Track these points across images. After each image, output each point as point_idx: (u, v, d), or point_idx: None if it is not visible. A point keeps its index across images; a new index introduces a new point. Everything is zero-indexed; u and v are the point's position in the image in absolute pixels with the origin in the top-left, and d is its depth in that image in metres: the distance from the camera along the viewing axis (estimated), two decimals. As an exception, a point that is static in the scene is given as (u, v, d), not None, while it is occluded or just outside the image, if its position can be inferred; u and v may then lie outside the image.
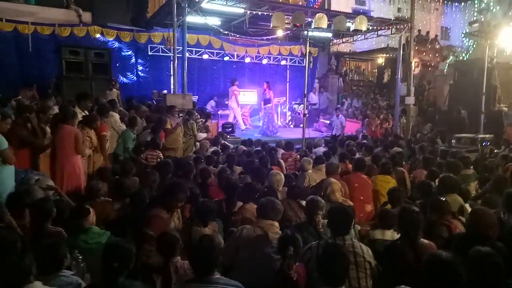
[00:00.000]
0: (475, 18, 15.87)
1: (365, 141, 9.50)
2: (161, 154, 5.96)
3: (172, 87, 11.27)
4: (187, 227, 3.34)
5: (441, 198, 3.52)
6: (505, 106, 11.07)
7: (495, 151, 7.61)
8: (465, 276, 1.98)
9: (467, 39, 15.68)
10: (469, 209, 3.81)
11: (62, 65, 8.85)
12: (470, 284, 2.11)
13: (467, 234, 2.79)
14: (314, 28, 8.28)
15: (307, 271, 2.63)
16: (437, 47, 18.46)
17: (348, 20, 9.66)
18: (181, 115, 7.81)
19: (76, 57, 8.98)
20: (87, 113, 5.71)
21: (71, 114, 4.76)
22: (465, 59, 14.48)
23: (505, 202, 3.48)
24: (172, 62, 10.04)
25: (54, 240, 2.53)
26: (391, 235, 3.19)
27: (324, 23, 8.19)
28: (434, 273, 1.97)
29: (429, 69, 17.05)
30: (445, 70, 15.00)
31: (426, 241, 2.73)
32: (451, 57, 16.26)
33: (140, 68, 12.28)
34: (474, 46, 14.90)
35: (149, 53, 12.23)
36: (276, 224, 3.04)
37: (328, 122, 12.77)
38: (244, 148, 7.50)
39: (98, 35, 11.19)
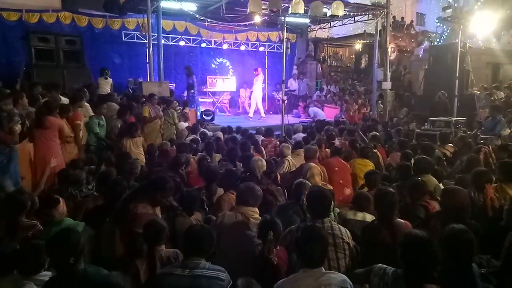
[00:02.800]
0: (448, 3, 16.14)
1: (343, 126, 9.62)
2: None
3: (148, 74, 11.02)
4: (171, 216, 3.28)
5: (418, 179, 3.60)
6: (477, 90, 11.40)
7: (468, 132, 7.85)
8: (440, 253, 2.05)
9: (442, 25, 15.96)
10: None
11: (31, 53, 8.48)
12: (445, 260, 2.18)
13: (442, 212, 2.88)
14: (291, 13, 8.23)
15: (288, 254, 2.66)
16: (412, 32, 18.74)
17: (324, 6, 9.64)
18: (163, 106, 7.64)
19: (46, 44, 8.62)
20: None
21: (54, 106, 4.87)
22: (439, 44, 14.74)
23: (473, 181, 3.60)
24: (147, 49, 9.80)
25: (37, 242, 2.46)
26: (362, 215, 3.28)
27: (301, 9, 8.16)
28: (409, 251, 2.02)
29: (405, 54, 17.32)
30: (420, 55, 15.27)
31: (402, 220, 2.81)
32: (426, 42, 16.54)
33: (114, 55, 11.92)
34: (448, 31, 15.18)
35: (124, 40, 11.88)
36: (256, 210, 3.05)
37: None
38: (220, 135, 7.45)
39: (68, 21, 10.76)
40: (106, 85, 8.80)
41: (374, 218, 3.15)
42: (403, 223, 2.78)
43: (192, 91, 11.84)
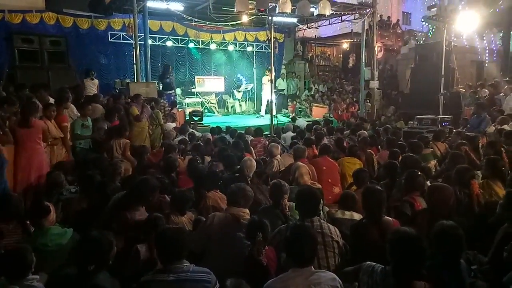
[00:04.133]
0: (433, 3, 16.37)
1: (331, 125, 9.67)
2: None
3: (135, 75, 10.91)
4: (164, 216, 3.24)
5: (418, 172, 3.63)
6: (462, 88, 11.58)
7: (454, 130, 7.96)
8: (428, 250, 2.07)
9: (427, 24, 16.18)
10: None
11: (14, 54, 8.29)
12: (433, 256, 2.20)
13: (428, 209, 2.91)
14: (279, 13, 8.24)
15: (277, 254, 2.65)
16: (399, 31, 18.98)
17: (312, 5, 9.68)
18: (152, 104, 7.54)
19: (30, 45, 8.43)
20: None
21: (36, 108, 4.74)
22: (425, 43, 14.93)
23: (457, 178, 3.63)
24: (134, 49, 9.69)
25: (21, 246, 2.43)
26: (350, 214, 3.32)
27: (288, 8, 8.17)
28: (398, 248, 2.04)
29: (392, 53, 17.51)
30: (406, 54, 15.45)
31: (390, 218, 2.83)
32: (412, 41, 16.75)
33: (100, 56, 11.76)
34: (434, 30, 15.39)
35: (110, 40, 11.73)
36: (247, 210, 3.03)
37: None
38: (210, 136, 7.42)
39: (53, 22, 10.58)
40: (92, 86, 8.68)
41: (361, 216, 3.17)
42: (391, 221, 2.80)
43: (172, 91, 11.52)
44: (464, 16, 11.20)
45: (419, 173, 3.65)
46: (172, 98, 10.91)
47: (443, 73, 10.15)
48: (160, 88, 10.88)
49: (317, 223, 2.71)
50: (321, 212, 3.32)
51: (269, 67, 12.54)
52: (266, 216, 2.78)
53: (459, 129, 7.69)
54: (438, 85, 10.18)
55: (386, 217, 2.82)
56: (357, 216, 3.30)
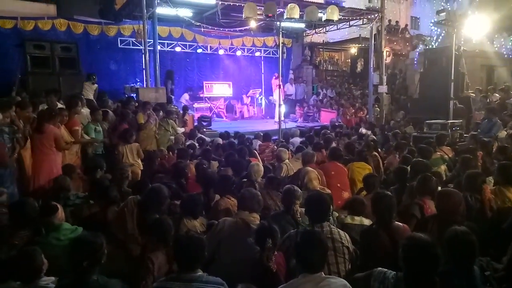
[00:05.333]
0: (442, 7, 16.27)
1: (340, 129, 9.65)
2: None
3: (144, 81, 11.01)
4: (176, 219, 3.25)
5: (430, 175, 3.58)
6: (472, 92, 11.46)
7: (465, 135, 7.87)
8: (442, 257, 2.03)
9: (436, 28, 16.09)
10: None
11: (27, 60, 8.44)
12: (446, 263, 2.17)
13: (438, 215, 2.87)
14: (287, 18, 8.26)
15: (287, 260, 2.63)
16: (407, 36, 18.88)
17: (319, 11, 9.69)
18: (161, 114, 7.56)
19: (41, 51, 8.57)
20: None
21: (54, 113, 4.84)
22: (434, 47, 14.84)
23: (467, 183, 3.58)
24: (143, 55, 9.79)
25: (30, 248, 2.44)
26: (360, 219, 3.28)
27: (296, 13, 8.19)
28: (412, 255, 2.00)
29: (400, 58, 17.43)
30: (415, 59, 15.36)
31: (400, 224, 2.80)
32: (421, 45, 16.66)
33: (110, 62, 11.91)
34: (443, 35, 15.29)
35: (120, 46, 11.88)
36: (257, 215, 3.03)
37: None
38: (220, 141, 7.44)
39: (64, 29, 10.75)
40: (90, 90, 8.74)
41: (371, 222, 3.14)
42: (402, 226, 2.77)
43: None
44: (473, 20, 11.11)
45: (432, 177, 3.60)
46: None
47: (452, 78, 10.05)
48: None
49: (327, 228, 2.70)
50: (331, 217, 3.30)
51: (276, 73, 12.67)
52: (276, 222, 2.77)
53: (474, 132, 7.59)
54: (448, 90, 10.08)
55: (396, 222, 2.79)
56: (367, 222, 3.27)
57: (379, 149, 6.81)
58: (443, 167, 5.50)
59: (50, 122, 4.72)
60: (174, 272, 2.39)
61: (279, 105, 8.72)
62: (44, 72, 8.50)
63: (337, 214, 3.75)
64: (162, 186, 3.32)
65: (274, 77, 13.04)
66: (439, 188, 4.03)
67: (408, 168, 4.43)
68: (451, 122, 8.54)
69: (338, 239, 2.64)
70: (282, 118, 8.67)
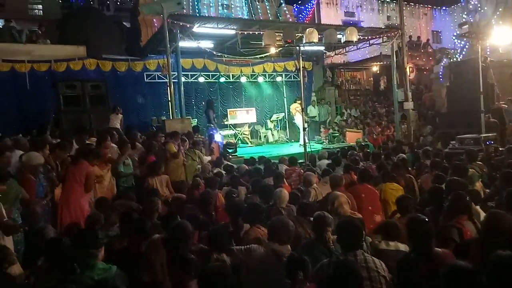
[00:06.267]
0: (464, 20, 16.00)
1: (367, 149, 9.45)
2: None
3: (170, 112, 11.32)
4: (203, 253, 3.18)
5: (464, 194, 3.40)
6: (504, 103, 11.04)
7: (500, 149, 7.52)
8: (487, 286, 1.90)
9: (459, 41, 15.80)
10: (480, 212, 3.73)
11: (59, 99, 8.91)
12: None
13: (483, 239, 2.69)
14: (306, 42, 8.33)
15: (319, 290, 2.53)
16: (429, 50, 18.64)
17: (338, 32, 9.74)
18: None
19: (73, 91, 9.05)
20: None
21: (94, 153, 4.87)
22: (458, 60, 14.53)
23: (508, 202, 3.36)
24: (168, 87, 10.11)
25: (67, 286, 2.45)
26: (395, 245, 3.13)
27: (315, 37, 8.25)
28: (454, 285, 1.88)
29: (424, 73, 17.13)
30: (440, 73, 15.05)
31: (440, 250, 2.64)
32: (445, 59, 16.35)
33: (137, 96, 12.36)
34: (467, 47, 14.98)
35: (146, 81, 12.33)
36: (288, 247, 2.91)
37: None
38: (246, 167, 7.43)
39: (93, 67, 11.32)
40: (115, 120, 9.05)
41: (407, 247, 3.00)
42: (442, 252, 2.61)
43: (211, 125, 11.98)
44: (498, 30, 10.85)
45: (465, 194, 3.43)
46: (214, 131, 11.26)
47: (481, 90, 9.74)
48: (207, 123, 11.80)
49: (360, 256, 2.59)
50: (364, 243, 3.17)
51: (299, 96, 12.72)
52: (309, 252, 2.68)
53: (506, 147, 7.24)
54: (478, 102, 9.76)
55: (436, 249, 2.63)
56: (402, 247, 3.12)
57: (410, 168, 6.59)
58: (478, 185, 5.24)
59: (85, 159, 4.75)
60: None
61: (304, 128, 8.66)
62: (76, 110, 8.94)
63: (370, 239, 3.61)
64: (186, 223, 3.21)
65: (295, 102, 13.10)
66: (478, 208, 3.85)
67: (443, 187, 4.25)
68: (484, 136, 8.22)
69: (373, 268, 2.53)
70: (307, 141, 8.60)
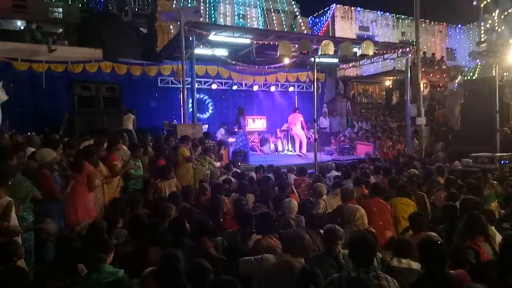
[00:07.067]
0: (482, 38, 15.89)
1: (378, 163, 9.33)
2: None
3: (182, 117, 11.37)
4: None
5: (478, 212, 3.32)
6: (519, 123, 10.87)
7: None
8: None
9: (474, 59, 15.69)
10: (496, 233, 3.63)
11: (74, 100, 9.04)
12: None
13: (500, 261, 2.60)
14: (321, 54, 8.33)
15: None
16: (444, 67, 18.51)
17: (354, 46, 9.73)
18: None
19: (88, 92, 9.18)
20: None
21: (91, 152, 4.91)
22: (474, 78, 14.40)
23: None
24: (181, 93, 10.17)
25: None
26: (407, 263, 3.06)
27: (331, 50, 8.24)
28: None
29: (438, 89, 17.00)
30: (454, 89, 14.92)
31: (454, 273, 2.55)
32: (460, 76, 16.22)
33: (150, 100, 12.47)
34: (481, 65, 14.85)
35: (159, 85, 12.45)
36: (302, 260, 2.84)
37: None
38: (254, 175, 7.39)
39: (109, 70, 11.47)
40: (128, 120, 9.11)
41: (419, 265, 2.92)
42: (457, 275, 2.52)
43: (241, 130, 12.03)
44: (516, 49, 10.75)
45: (481, 214, 3.34)
46: (242, 138, 11.42)
47: (497, 109, 9.61)
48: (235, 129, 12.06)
49: (373, 273, 2.52)
50: (375, 258, 3.11)
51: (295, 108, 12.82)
52: (318, 265, 2.62)
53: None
54: (493, 120, 9.62)
55: (450, 271, 2.54)
56: (415, 265, 3.04)
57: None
58: (493, 205, 5.13)
59: (86, 160, 4.76)
60: None
61: (315, 139, 8.62)
62: (89, 111, 9.04)
63: (380, 255, 3.54)
64: (178, 253, 2.71)
65: (294, 112, 12.99)
66: (493, 228, 3.75)
67: (457, 205, 4.16)
68: (499, 155, 8.08)
69: (386, 286, 2.46)
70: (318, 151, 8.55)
